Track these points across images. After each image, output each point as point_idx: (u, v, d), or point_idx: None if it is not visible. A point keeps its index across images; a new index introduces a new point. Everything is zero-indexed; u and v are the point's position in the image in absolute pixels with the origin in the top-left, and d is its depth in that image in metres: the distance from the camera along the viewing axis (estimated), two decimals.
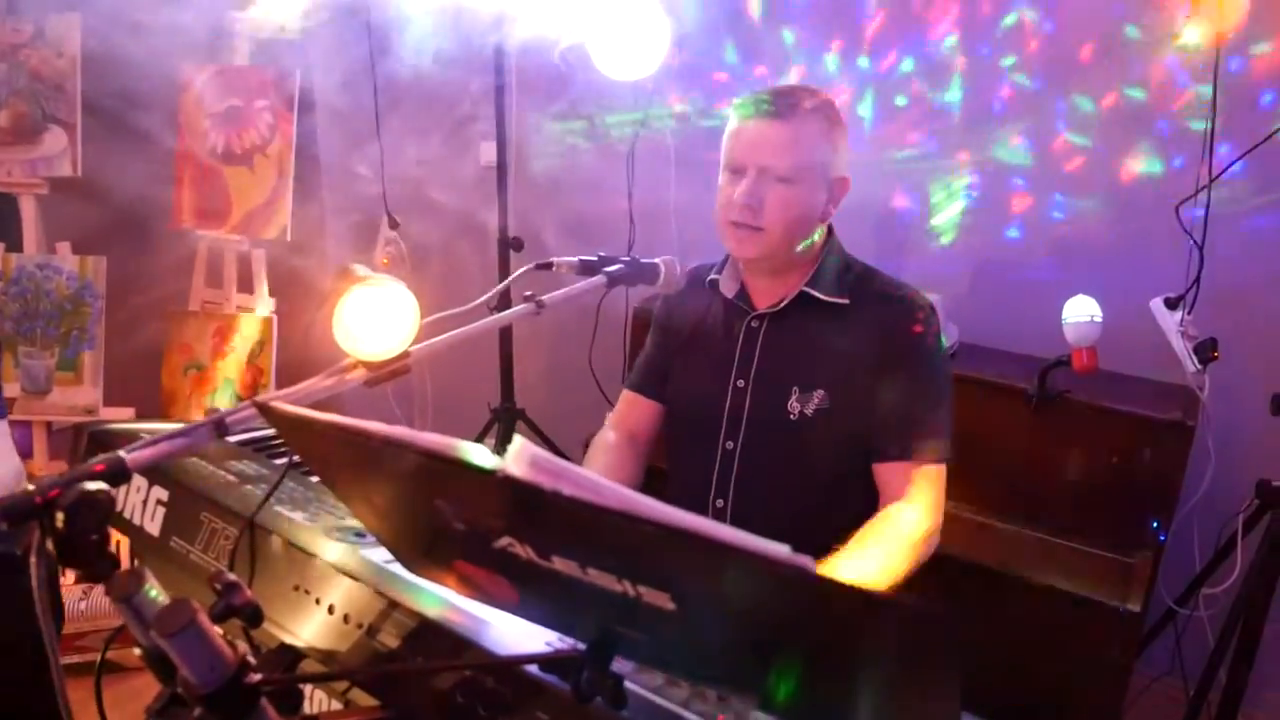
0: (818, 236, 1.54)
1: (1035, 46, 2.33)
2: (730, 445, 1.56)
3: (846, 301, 1.51)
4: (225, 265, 2.98)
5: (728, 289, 1.59)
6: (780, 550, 0.54)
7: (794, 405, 1.50)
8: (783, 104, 1.43)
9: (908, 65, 2.50)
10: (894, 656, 0.61)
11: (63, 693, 0.85)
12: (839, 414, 1.48)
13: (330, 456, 0.90)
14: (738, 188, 1.45)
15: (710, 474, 1.57)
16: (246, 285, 2.98)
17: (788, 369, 1.52)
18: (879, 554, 1.36)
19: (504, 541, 0.75)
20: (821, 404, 1.49)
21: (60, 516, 0.79)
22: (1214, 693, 1.93)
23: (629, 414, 1.71)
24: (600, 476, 0.62)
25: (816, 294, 1.52)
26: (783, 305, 1.53)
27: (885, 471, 1.49)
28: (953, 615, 0.49)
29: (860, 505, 1.51)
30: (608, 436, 1.69)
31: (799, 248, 1.50)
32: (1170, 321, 2.01)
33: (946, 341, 1.67)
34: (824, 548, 1.33)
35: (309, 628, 1.06)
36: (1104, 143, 2.30)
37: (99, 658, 1.07)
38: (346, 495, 0.97)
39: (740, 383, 1.55)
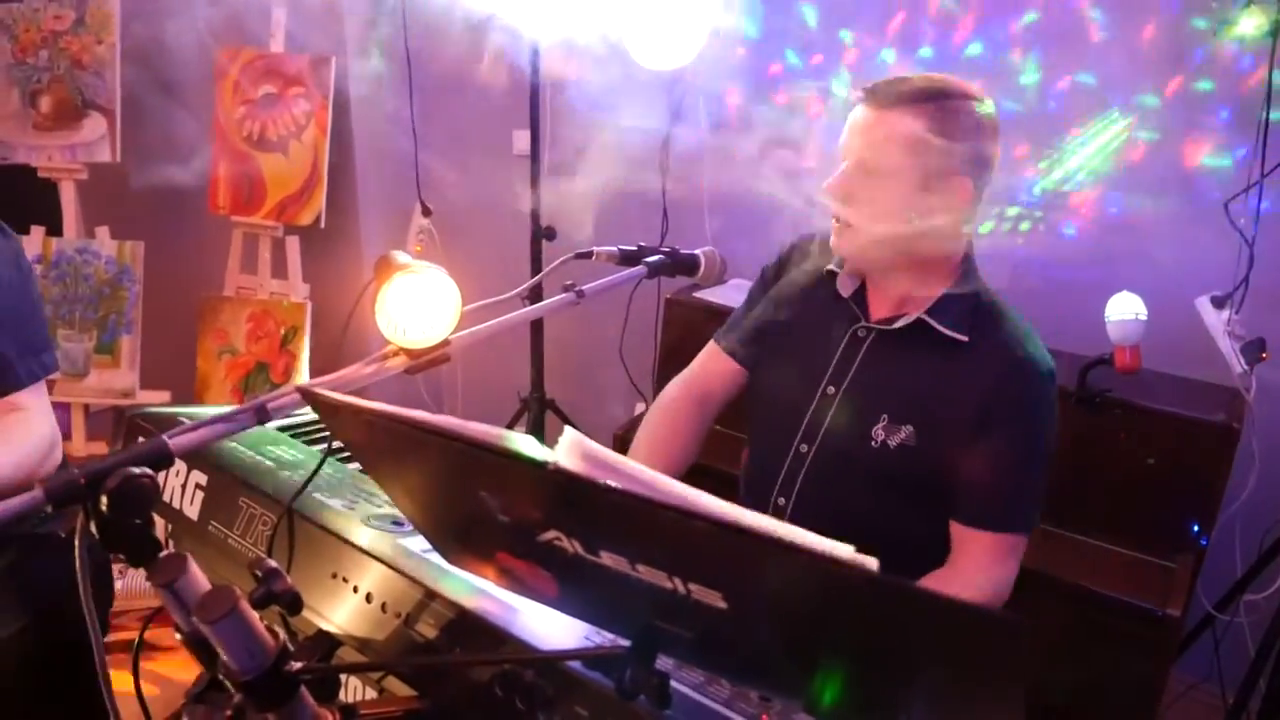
0: (952, 251, 1.40)
1: (1065, 39, 2.28)
2: (804, 449, 1.47)
3: (966, 340, 1.38)
4: (260, 251, 3.00)
5: (844, 286, 1.48)
6: (844, 550, 0.52)
7: (879, 432, 1.40)
8: (887, 90, 1.31)
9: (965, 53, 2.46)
10: (957, 664, 0.59)
11: (105, 673, 0.85)
12: (922, 456, 1.37)
13: (373, 444, 0.89)
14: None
15: (779, 470, 1.50)
16: (281, 271, 3.00)
17: (883, 393, 1.41)
18: None
19: (550, 535, 0.73)
20: (908, 440, 1.37)
21: (104, 500, 0.79)
22: (1253, 701, 1.90)
23: (707, 370, 1.62)
24: (655, 472, 0.61)
25: (935, 325, 1.39)
26: (897, 325, 1.42)
27: (961, 533, 1.38)
28: (1026, 624, 0.47)
29: (921, 540, 1.41)
30: (673, 394, 1.60)
31: (901, 254, 1.37)
32: (1217, 320, 1.97)
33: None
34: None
35: (346, 615, 1.06)
36: (1151, 138, 2.25)
37: (137, 638, 1.08)
38: (387, 483, 0.97)
39: (830, 390, 1.46)
